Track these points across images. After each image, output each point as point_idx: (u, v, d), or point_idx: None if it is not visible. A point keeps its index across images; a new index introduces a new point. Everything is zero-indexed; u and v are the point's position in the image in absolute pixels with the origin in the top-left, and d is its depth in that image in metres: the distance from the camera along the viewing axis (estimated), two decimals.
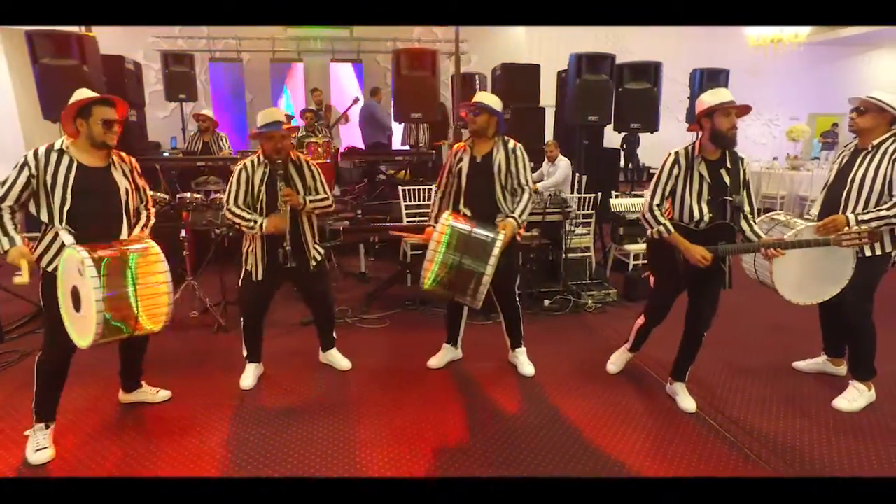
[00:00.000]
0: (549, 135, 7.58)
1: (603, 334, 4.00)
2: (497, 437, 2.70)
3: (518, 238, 3.18)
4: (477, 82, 7.16)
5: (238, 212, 2.97)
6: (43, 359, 2.54)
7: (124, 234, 2.58)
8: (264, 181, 2.99)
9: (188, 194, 4.12)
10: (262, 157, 3.03)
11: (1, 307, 3.99)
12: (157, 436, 2.71)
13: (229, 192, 3.01)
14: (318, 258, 3.21)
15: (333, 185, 6.92)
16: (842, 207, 2.77)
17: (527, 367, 3.36)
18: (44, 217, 2.48)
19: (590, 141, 6.84)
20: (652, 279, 2.99)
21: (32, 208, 2.48)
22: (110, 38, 8.14)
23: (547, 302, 4.48)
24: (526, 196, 3.10)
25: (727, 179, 2.65)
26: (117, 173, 2.60)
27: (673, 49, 10.94)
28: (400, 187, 5.43)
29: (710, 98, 2.63)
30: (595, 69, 5.21)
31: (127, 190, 2.62)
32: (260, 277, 3.06)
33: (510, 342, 3.44)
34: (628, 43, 11.25)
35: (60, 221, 2.46)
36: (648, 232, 2.78)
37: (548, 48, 10.71)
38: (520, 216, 3.05)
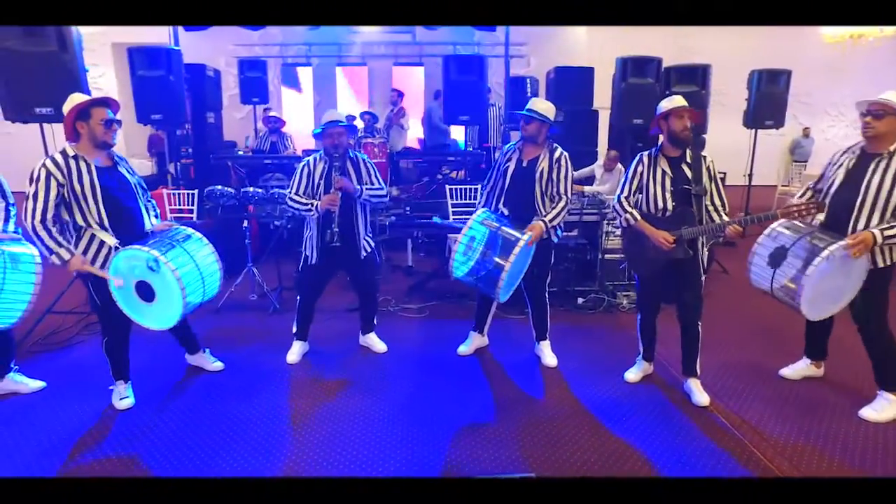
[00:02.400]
0: (602, 136, 7.61)
1: (632, 333, 4.06)
2: (517, 423, 2.90)
3: (554, 239, 3.35)
4: (528, 85, 7.30)
5: (297, 198, 3.34)
6: (107, 342, 2.92)
7: (148, 225, 2.88)
8: (323, 175, 3.34)
9: (251, 189, 4.59)
10: (322, 154, 3.38)
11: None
12: (213, 397, 3.13)
13: (292, 183, 3.38)
14: (368, 249, 3.53)
15: (388, 184, 7.31)
16: (854, 217, 2.71)
17: (549, 359, 3.54)
18: (80, 222, 2.63)
19: (644, 144, 6.85)
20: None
21: (65, 215, 2.63)
22: (196, 47, 8.96)
23: (581, 300, 4.61)
24: (562, 204, 3.26)
25: (688, 173, 2.91)
26: (123, 170, 2.80)
27: (741, 48, 10.56)
28: (447, 186, 5.70)
29: (666, 104, 2.94)
30: (640, 72, 5.25)
31: (135, 184, 2.85)
32: (314, 262, 3.42)
33: (535, 334, 3.62)
34: (693, 43, 10.95)
35: (100, 223, 2.64)
36: (617, 221, 3.12)
37: (609, 50, 10.60)
38: (550, 221, 3.22)
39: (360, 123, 7.60)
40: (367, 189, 3.38)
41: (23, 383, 3.15)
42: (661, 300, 3.20)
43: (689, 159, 2.92)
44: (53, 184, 2.51)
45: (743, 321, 4.29)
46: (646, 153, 3.05)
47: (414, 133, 9.31)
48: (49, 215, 2.54)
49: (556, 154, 3.29)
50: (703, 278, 3.01)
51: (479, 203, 3.56)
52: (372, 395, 3.16)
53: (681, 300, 3.04)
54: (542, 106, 3.25)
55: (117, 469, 2.50)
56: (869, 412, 2.90)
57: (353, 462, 2.56)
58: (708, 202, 2.93)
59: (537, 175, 3.27)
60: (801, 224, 2.86)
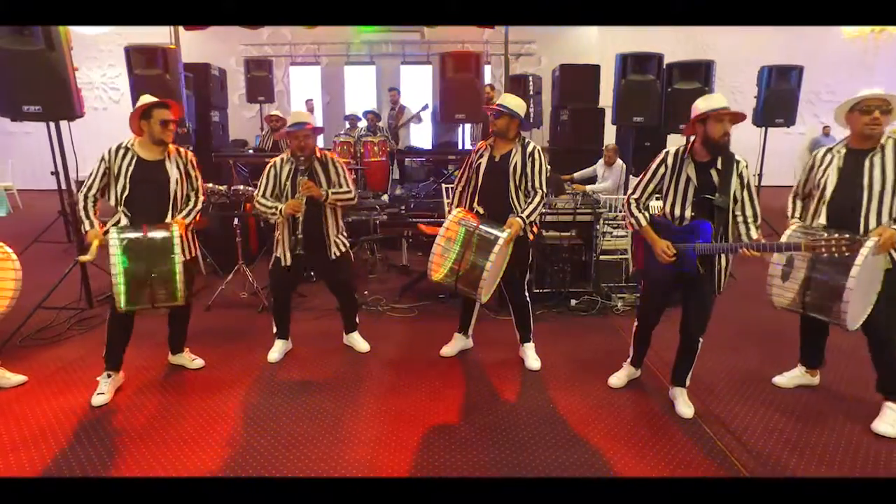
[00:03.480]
0: (609, 135, 7.48)
1: (624, 337, 3.98)
2: (486, 426, 2.83)
3: (530, 236, 3.29)
4: (530, 84, 7.21)
5: (263, 202, 3.34)
6: (112, 315, 3.05)
7: (169, 217, 3.04)
8: (290, 176, 3.32)
9: (241, 187, 4.59)
10: (288, 156, 3.36)
11: (92, 281, 4.66)
12: (189, 393, 3.13)
13: (259, 185, 3.38)
14: (341, 250, 3.49)
15: (390, 183, 7.28)
16: (863, 215, 2.59)
17: (533, 362, 3.45)
18: (112, 202, 3.03)
19: (651, 143, 6.70)
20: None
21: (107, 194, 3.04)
22: (205, 47, 9.10)
23: (574, 301, 4.51)
24: (537, 198, 3.19)
25: (716, 180, 2.64)
26: (171, 165, 3.08)
27: (758, 45, 10.30)
28: (443, 185, 5.64)
29: (703, 104, 2.64)
30: (641, 69, 5.12)
31: (177, 179, 3.09)
32: (288, 263, 3.39)
33: (519, 336, 3.54)
34: (708, 40, 10.72)
35: (119, 205, 2.99)
36: (624, 223, 2.84)
37: (621, 48, 10.45)
38: (528, 216, 3.15)
39: (362, 122, 7.58)
40: (332, 193, 3.34)
41: (4, 378, 3.19)
42: (662, 311, 3.02)
43: (719, 165, 2.64)
44: (102, 166, 2.99)
45: (739, 325, 4.14)
46: (672, 151, 2.78)
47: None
48: (93, 191, 2.98)
49: (529, 148, 3.22)
50: (714, 295, 2.78)
51: (453, 203, 3.49)
52: (345, 395, 3.12)
53: (686, 313, 2.86)
54: (512, 101, 3.21)
55: (84, 467, 2.49)
56: (885, 427, 2.70)
57: (320, 460, 2.53)
58: (738, 212, 2.64)
59: (510, 170, 3.20)
60: (809, 231, 2.66)
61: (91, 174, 3.00)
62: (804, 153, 11.42)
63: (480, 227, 3.05)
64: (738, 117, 2.60)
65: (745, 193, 2.65)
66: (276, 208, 3.28)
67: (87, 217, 2.97)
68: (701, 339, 2.85)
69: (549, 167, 3.29)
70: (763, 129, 6.30)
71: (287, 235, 3.36)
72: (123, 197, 2.98)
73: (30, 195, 9.67)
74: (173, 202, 3.08)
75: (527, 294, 3.45)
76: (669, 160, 2.78)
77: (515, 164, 3.20)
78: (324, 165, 3.39)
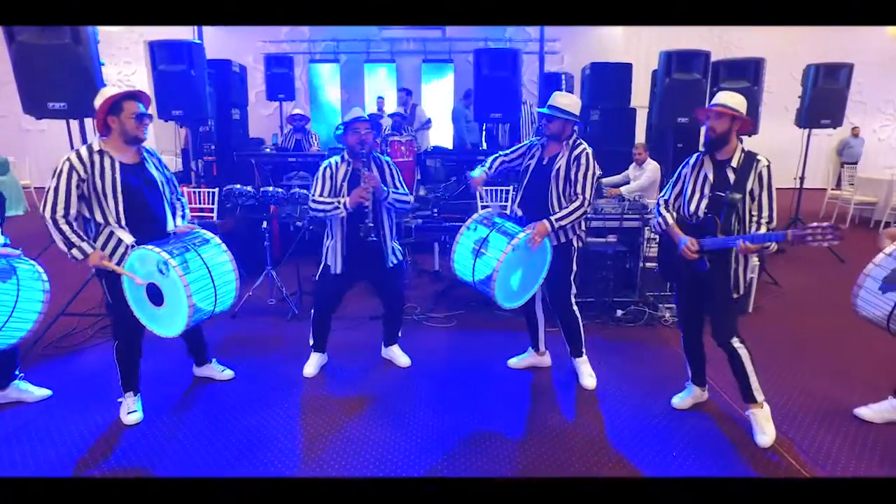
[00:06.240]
0: (640, 137, 7.24)
1: (674, 350, 3.74)
2: (531, 448, 2.63)
3: (577, 244, 3.06)
4: (563, 82, 6.97)
5: (321, 200, 3.08)
6: (118, 346, 2.76)
7: (171, 226, 2.72)
8: (346, 177, 3.11)
9: (270, 188, 4.39)
10: (345, 156, 3.15)
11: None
12: (220, 411, 2.93)
13: (314, 186, 3.14)
14: (398, 257, 3.29)
15: (415, 184, 7.07)
16: None
17: (587, 379, 3.23)
18: (99, 218, 2.54)
19: (684, 144, 6.45)
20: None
21: (85, 212, 2.53)
22: (223, 43, 8.91)
23: (620, 312, 4.28)
24: (576, 204, 2.92)
25: (731, 178, 2.57)
26: (150, 167, 2.68)
27: (788, 43, 10.01)
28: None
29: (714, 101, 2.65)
30: (686, 67, 4.87)
31: (162, 182, 2.72)
32: (339, 271, 3.17)
33: (569, 349, 3.31)
34: (737, 38, 10.43)
35: (118, 221, 2.54)
36: (651, 223, 2.87)
37: (647, 46, 10.19)
38: (557, 220, 2.88)
39: (387, 122, 7.38)
40: (392, 193, 3.14)
41: (28, 391, 3.00)
42: (701, 314, 2.82)
43: (734, 163, 2.58)
44: (75, 178, 2.44)
45: (798, 341, 3.90)
46: (695, 155, 2.77)
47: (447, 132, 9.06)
48: (72, 210, 2.45)
49: (577, 150, 2.96)
50: (734, 295, 2.66)
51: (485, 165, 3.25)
52: (390, 416, 2.90)
53: (709, 315, 2.75)
54: (565, 101, 2.96)
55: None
56: None
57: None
58: (754, 211, 2.55)
59: (553, 173, 2.97)
60: None
61: (55, 190, 2.42)
62: (832, 154, 11.12)
63: (502, 225, 2.85)
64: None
65: (764, 193, 2.55)
66: (338, 201, 3.04)
67: (82, 239, 2.47)
68: (738, 345, 2.62)
69: (599, 172, 3.04)
70: (806, 130, 6.02)
71: (343, 239, 3.14)
72: (121, 211, 2.52)
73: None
74: (171, 208, 2.76)
75: (574, 307, 3.18)
76: (692, 160, 2.75)
77: (560, 167, 2.96)
78: (380, 166, 3.19)
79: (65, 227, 2.45)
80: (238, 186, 4.32)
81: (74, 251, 2.47)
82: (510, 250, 2.66)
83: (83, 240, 2.49)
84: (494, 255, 2.72)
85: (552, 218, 2.88)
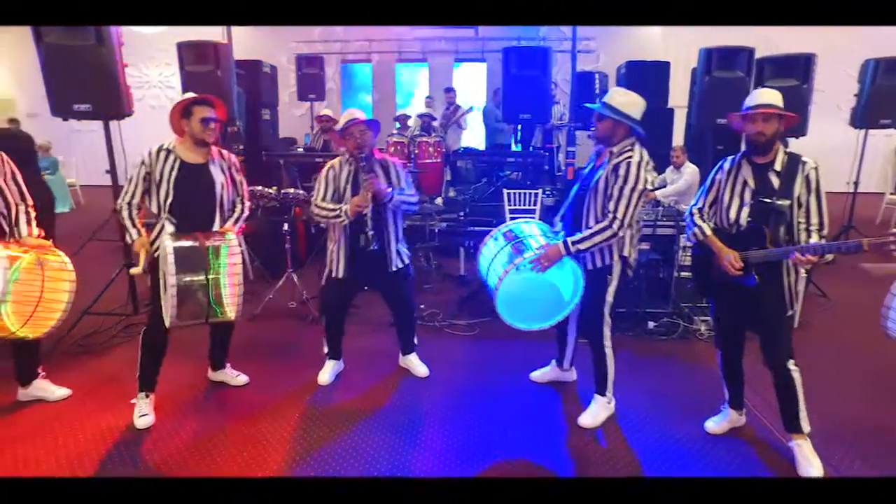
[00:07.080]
0: (678, 138, 6.93)
1: (712, 367, 3.50)
2: (544, 472, 2.48)
3: (625, 270, 2.70)
4: (596, 81, 6.73)
5: (323, 205, 3.03)
6: (146, 332, 2.82)
7: (216, 225, 2.79)
8: (349, 179, 3.03)
9: (291, 190, 4.34)
10: (347, 157, 3.07)
11: (139, 284, 4.52)
12: (231, 418, 2.88)
13: (317, 189, 3.09)
14: (403, 261, 3.18)
15: (445, 186, 6.96)
16: None
17: (585, 418, 2.86)
18: (154, 208, 2.77)
19: (724, 146, 6.12)
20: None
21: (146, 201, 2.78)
22: (256, 44, 9.01)
23: (652, 324, 4.05)
24: (602, 224, 2.55)
25: (775, 183, 2.36)
26: (215, 169, 2.82)
27: (846, 38, 9.42)
28: (504, 190, 5.26)
29: (748, 100, 2.47)
30: (728, 65, 4.58)
31: (222, 184, 2.83)
32: (341, 275, 3.09)
33: (595, 380, 2.94)
34: (778, 34, 9.88)
35: (162, 211, 2.73)
36: (687, 234, 2.58)
37: (685, 44, 9.78)
38: (574, 242, 2.57)
39: (415, 122, 7.29)
40: (398, 195, 3.03)
41: (49, 390, 3.03)
42: (742, 333, 2.61)
43: (777, 166, 2.36)
44: (142, 170, 2.73)
45: (851, 360, 3.60)
46: (729, 158, 2.56)
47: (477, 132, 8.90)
48: (136, 199, 2.74)
49: (619, 159, 2.56)
50: (789, 311, 2.42)
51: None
52: (406, 431, 2.79)
53: (760, 336, 2.49)
54: (621, 98, 2.59)
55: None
56: None
57: None
58: (801, 219, 2.34)
59: (592, 184, 2.64)
60: None
61: (130, 180, 2.75)
62: (890, 156, 10.44)
63: (519, 240, 2.70)
64: (760, 118, 2.35)
65: (812, 198, 2.34)
66: (340, 209, 2.97)
67: (133, 226, 2.75)
68: (793, 367, 2.40)
69: (642, 186, 2.53)
70: (862, 131, 5.62)
71: (345, 244, 3.06)
72: (167, 203, 2.72)
73: (92, 191, 9.81)
74: (220, 208, 2.83)
75: (606, 345, 2.78)
76: (726, 165, 2.53)
77: (600, 178, 2.60)
78: (385, 168, 3.10)
79: (124, 213, 2.75)
80: (259, 188, 4.29)
81: (127, 235, 2.76)
82: (512, 269, 2.51)
83: (133, 226, 2.75)
84: (497, 272, 2.59)
85: (569, 239, 2.59)
